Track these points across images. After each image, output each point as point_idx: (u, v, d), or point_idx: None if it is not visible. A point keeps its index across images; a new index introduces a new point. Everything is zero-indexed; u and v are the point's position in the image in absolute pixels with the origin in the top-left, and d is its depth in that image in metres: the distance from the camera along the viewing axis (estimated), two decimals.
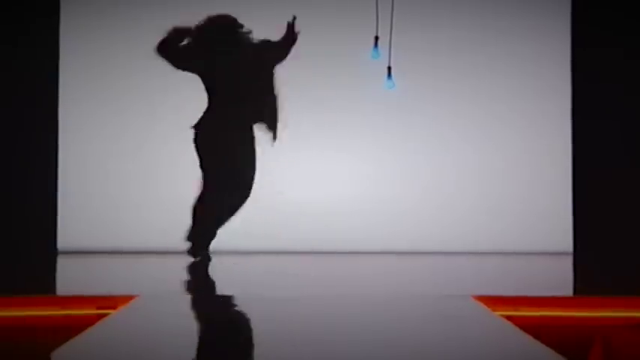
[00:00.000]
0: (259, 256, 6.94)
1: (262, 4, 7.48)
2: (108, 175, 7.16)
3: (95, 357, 2.78)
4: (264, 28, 7.39)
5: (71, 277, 5.77)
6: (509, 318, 3.54)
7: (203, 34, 6.22)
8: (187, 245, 6.09)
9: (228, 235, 6.56)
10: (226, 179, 6.10)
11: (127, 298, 3.86)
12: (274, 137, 6.21)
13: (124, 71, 7.27)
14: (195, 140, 6.07)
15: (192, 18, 6.64)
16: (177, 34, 6.17)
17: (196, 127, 6.05)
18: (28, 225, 6.99)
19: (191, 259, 6.07)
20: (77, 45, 7.32)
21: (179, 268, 5.98)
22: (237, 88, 6.13)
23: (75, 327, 3.24)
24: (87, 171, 7.29)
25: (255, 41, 6.32)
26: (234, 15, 7.28)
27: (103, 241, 6.57)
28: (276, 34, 7.03)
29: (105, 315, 3.57)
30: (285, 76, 7.44)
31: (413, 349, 2.89)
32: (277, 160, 7.37)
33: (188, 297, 4.33)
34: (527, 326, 3.28)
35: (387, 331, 3.27)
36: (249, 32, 6.34)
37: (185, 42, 6.17)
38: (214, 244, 6.36)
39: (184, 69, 6.16)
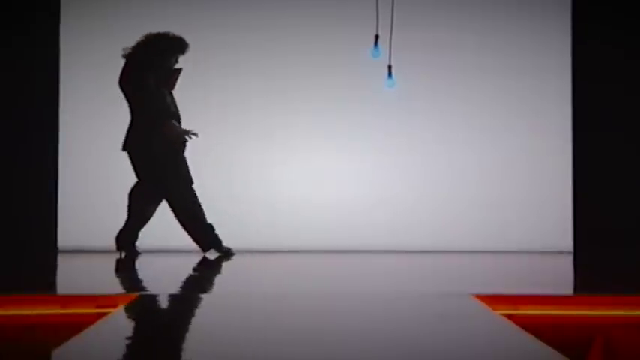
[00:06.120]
0: (258, 254, 6.94)
1: (262, 4, 7.48)
2: (108, 174, 7.17)
3: (95, 356, 2.78)
4: (264, 29, 7.41)
5: (71, 275, 5.77)
6: (509, 316, 3.54)
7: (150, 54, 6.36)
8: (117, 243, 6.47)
9: (228, 234, 6.56)
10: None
11: (127, 297, 3.85)
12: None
13: None
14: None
15: (192, 18, 6.65)
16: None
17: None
18: (29, 223, 7.00)
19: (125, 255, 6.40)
20: (77, 45, 7.33)
21: (179, 267, 5.99)
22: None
23: (75, 326, 3.23)
24: (87, 170, 7.30)
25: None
26: (235, 16, 7.31)
27: (103, 239, 6.57)
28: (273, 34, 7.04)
29: (105, 314, 3.57)
30: (286, 75, 7.46)
31: (412, 348, 2.89)
32: (277, 159, 7.39)
33: (188, 296, 4.33)
34: (527, 325, 3.28)
35: (387, 329, 3.27)
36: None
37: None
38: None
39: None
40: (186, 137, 6.37)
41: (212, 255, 6.45)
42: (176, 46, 6.40)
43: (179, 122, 6.42)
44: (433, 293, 4.35)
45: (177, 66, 6.43)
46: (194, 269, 5.93)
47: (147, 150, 6.34)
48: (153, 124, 6.30)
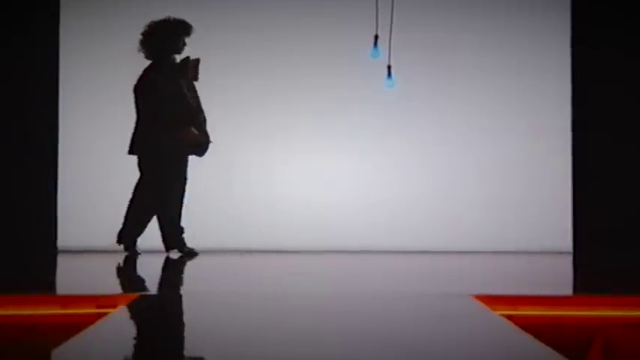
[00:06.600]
0: (258, 254, 6.94)
1: (262, 4, 7.48)
2: (108, 174, 7.17)
3: (95, 356, 2.78)
4: (264, 29, 7.41)
5: (71, 275, 5.77)
6: (508, 317, 3.54)
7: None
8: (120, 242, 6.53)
9: (227, 234, 6.57)
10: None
11: (127, 297, 3.86)
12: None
13: (124, 71, 7.26)
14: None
15: (192, 18, 6.65)
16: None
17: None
18: (29, 224, 7.00)
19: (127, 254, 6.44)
20: (77, 45, 7.33)
21: (179, 267, 5.99)
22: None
23: (75, 326, 3.23)
24: (87, 170, 7.30)
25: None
26: (235, 16, 7.32)
27: (103, 239, 6.58)
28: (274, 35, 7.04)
29: (105, 314, 3.57)
30: (286, 75, 7.46)
31: (412, 349, 2.89)
32: (277, 160, 7.39)
33: (188, 296, 4.34)
34: (527, 325, 3.28)
35: (386, 330, 3.28)
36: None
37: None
38: (217, 243, 6.43)
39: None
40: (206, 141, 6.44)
41: (174, 255, 6.44)
42: (180, 28, 6.49)
43: (203, 115, 6.47)
44: (433, 294, 4.36)
45: (193, 56, 6.50)
46: (193, 269, 5.93)
47: (156, 153, 6.35)
48: (165, 127, 6.31)
